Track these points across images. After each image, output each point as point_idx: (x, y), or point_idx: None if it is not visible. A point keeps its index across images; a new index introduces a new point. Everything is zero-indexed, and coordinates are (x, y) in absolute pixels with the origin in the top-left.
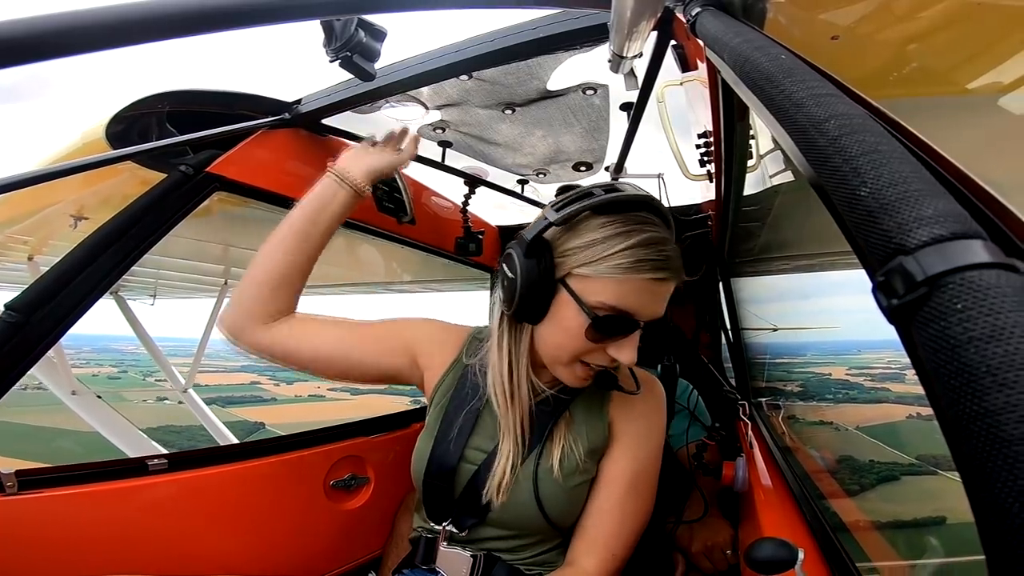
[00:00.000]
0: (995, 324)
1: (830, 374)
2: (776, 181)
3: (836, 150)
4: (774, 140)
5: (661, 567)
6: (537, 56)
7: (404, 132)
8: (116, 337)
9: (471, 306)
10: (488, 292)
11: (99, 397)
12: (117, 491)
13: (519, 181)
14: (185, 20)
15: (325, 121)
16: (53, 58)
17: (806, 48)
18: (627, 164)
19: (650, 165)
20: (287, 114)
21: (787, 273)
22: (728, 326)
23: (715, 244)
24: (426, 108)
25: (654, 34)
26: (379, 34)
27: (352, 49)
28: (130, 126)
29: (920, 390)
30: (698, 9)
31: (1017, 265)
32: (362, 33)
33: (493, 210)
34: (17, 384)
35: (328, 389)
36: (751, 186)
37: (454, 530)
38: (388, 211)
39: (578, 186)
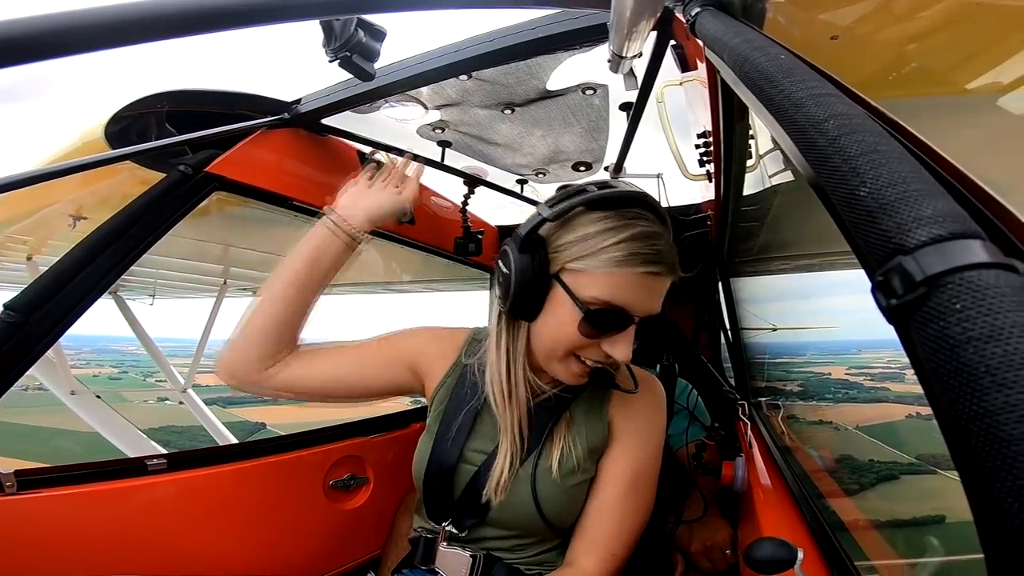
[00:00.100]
0: (994, 324)
1: (829, 374)
2: (775, 181)
3: (835, 150)
4: (773, 140)
5: (660, 567)
6: (537, 56)
7: (406, 164)
8: (116, 338)
9: (471, 306)
10: (488, 292)
11: (98, 397)
12: (116, 491)
13: (518, 181)
14: (184, 20)
15: (325, 121)
16: (51, 58)
17: (805, 48)
18: (627, 164)
19: (650, 165)
20: (286, 114)
21: (786, 273)
22: (727, 326)
23: (714, 244)
24: (425, 108)
25: (653, 34)
26: (379, 34)
27: (351, 49)
28: (129, 126)
29: (919, 389)
30: (697, 9)
31: (1016, 265)
32: (361, 33)
33: (493, 210)
34: (17, 385)
35: None
36: (750, 186)
37: (454, 530)
38: None
39: None
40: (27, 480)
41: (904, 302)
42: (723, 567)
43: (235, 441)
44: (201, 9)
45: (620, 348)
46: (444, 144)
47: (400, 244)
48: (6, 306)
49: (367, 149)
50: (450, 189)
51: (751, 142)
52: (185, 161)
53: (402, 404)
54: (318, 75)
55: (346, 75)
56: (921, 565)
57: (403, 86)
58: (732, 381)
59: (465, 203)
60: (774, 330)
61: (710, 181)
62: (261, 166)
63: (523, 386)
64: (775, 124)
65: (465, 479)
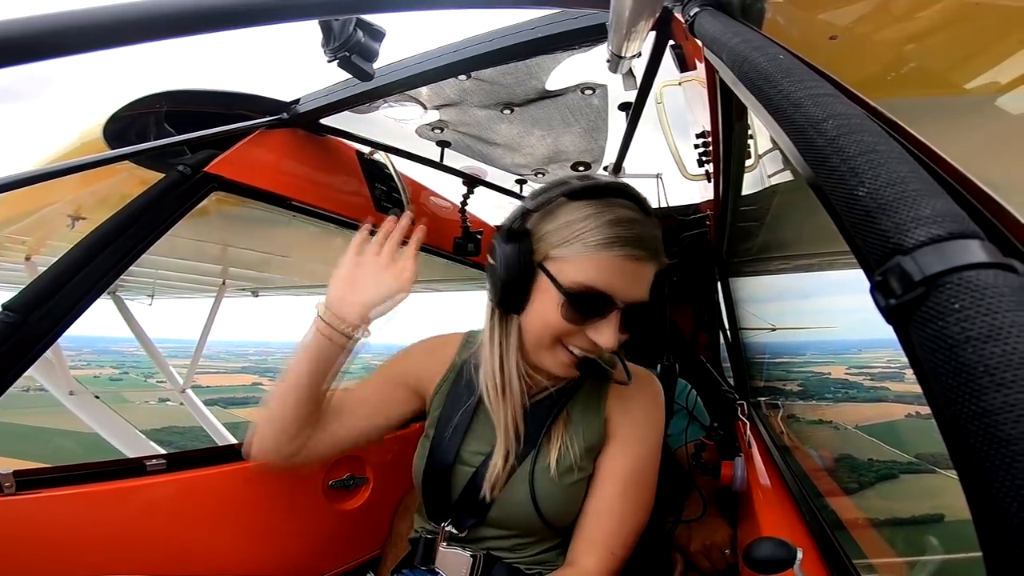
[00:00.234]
0: (992, 324)
1: (828, 373)
2: (774, 181)
3: (834, 150)
4: (772, 140)
5: (660, 567)
6: (536, 56)
7: (400, 231)
8: (116, 339)
9: (470, 306)
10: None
11: (97, 397)
12: (115, 491)
13: (518, 181)
14: (184, 20)
15: (323, 121)
16: (51, 58)
17: (804, 48)
18: (626, 164)
19: (649, 165)
20: (285, 114)
21: (785, 273)
22: (727, 326)
23: (713, 244)
24: (424, 108)
25: (652, 34)
26: (377, 34)
27: (350, 49)
28: (128, 126)
29: (918, 389)
30: (696, 9)
31: (1014, 265)
32: (360, 33)
33: (492, 210)
34: (17, 386)
35: None
36: (749, 186)
37: (453, 530)
38: (386, 211)
39: None
40: (26, 481)
41: (903, 302)
42: (722, 567)
43: (234, 441)
44: (201, 9)
45: (605, 335)
46: (443, 144)
47: (399, 244)
48: (4, 306)
49: (366, 149)
50: (449, 189)
51: (750, 142)
52: (184, 161)
53: None
54: (317, 75)
55: (345, 75)
56: (920, 564)
57: (402, 86)
58: (731, 381)
59: (464, 203)
60: (773, 330)
61: (709, 181)
62: (260, 166)
63: (516, 381)
64: (774, 124)
65: (464, 480)
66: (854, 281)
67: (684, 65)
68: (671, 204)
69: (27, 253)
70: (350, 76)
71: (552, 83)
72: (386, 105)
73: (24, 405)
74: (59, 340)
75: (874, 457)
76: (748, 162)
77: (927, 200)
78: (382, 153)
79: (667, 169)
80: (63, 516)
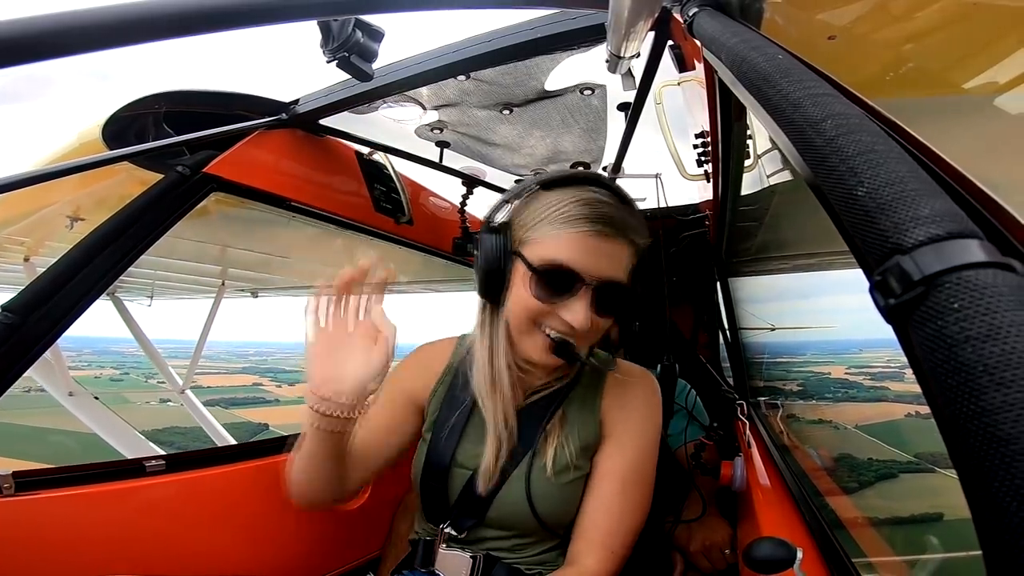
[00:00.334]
0: (992, 323)
1: (828, 373)
2: (773, 181)
3: (833, 150)
4: (771, 140)
5: (660, 566)
6: (535, 56)
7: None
8: (116, 339)
9: (470, 306)
10: None
11: (96, 398)
12: (115, 492)
13: (517, 181)
14: (184, 20)
15: (322, 121)
16: (51, 58)
17: (803, 48)
18: (625, 164)
19: (648, 165)
20: (284, 115)
21: (784, 273)
22: (726, 326)
23: (713, 244)
24: (424, 108)
25: (651, 34)
26: (377, 34)
27: (350, 49)
28: (127, 126)
29: (917, 389)
30: (695, 9)
31: (1013, 264)
32: (359, 33)
33: None
34: (18, 387)
35: None
36: (748, 186)
37: (453, 532)
38: (386, 212)
39: None
40: (25, 481)
41: (902, 302)
42: (722, 566)
43: (233, 442)
44: (201, 9)
45: (574, 311)
46: (442, 144)
47: (398, 245)
48: (3, 307)
49: (365, 150)
50: (448, 189)
51: (749, 142)
52: (183, 162)
53: None
54: (317, 75)
55: (344, 75)
56: (920, 564)
57: (401, 86)
58: (731, 381)
59: (464, 203)
60: (772, 330)
61: (708, 181)
62: (259, 167)
63: (506, 373)
64: (773, 124)
65: (461, 481)
66: (853, 281)
67: (683, 65)
68: (670, 204)
69: (26, 254)
70: (349, 76)
71: (551, 83)
72: (385, 105)
73: (24, 406)
74: (58, 341)
75: (874, 457)
76: (747, 162)
77: (926, 200)
78: (381, 154)
79: (666, 169)
80: (62, 517)
